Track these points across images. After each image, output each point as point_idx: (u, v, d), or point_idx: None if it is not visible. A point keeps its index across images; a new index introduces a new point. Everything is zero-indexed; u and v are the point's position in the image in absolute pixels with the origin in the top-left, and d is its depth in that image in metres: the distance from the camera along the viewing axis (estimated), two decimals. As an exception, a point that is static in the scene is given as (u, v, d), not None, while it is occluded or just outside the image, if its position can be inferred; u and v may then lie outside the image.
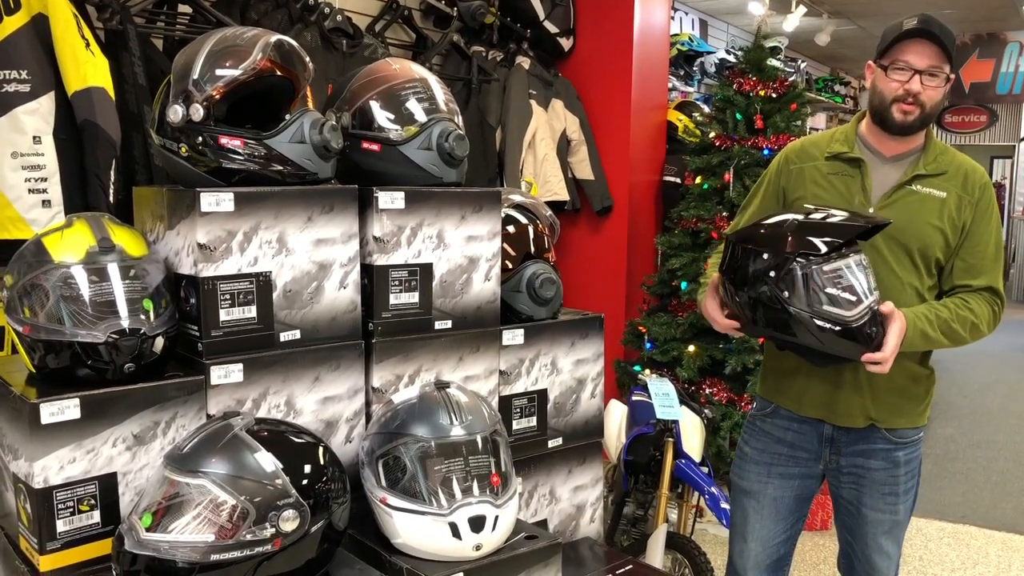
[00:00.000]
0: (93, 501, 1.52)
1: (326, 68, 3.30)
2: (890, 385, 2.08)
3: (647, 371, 4.25)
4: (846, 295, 1.82)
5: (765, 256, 1.86)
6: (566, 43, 4.74)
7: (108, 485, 1.53)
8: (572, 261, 4.79)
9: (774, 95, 4.25)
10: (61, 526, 1.49)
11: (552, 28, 4.64)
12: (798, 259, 1.81)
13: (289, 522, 1.42)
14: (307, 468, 1.50)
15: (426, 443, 1.58)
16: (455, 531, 1.54)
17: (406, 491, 1.57)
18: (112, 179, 2.58)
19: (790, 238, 1.84)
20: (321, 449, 1.56)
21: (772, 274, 1.84)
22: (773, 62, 4.45)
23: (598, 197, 4.70)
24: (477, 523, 1.55)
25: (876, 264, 1.95)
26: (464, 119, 4.03)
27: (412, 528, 1.57)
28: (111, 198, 2.55)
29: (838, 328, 1.81)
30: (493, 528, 1.57)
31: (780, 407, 2.23)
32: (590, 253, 4.84)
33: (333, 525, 1.52)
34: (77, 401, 1.49)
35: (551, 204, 4.55)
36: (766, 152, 4.12)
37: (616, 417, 3.64)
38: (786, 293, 1.82)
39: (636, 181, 4.82)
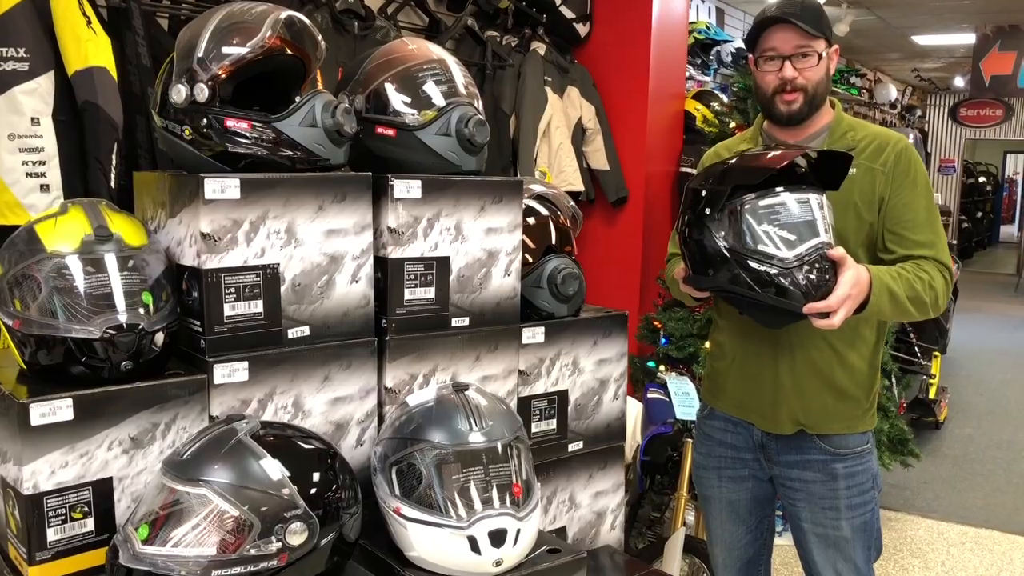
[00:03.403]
0: (86, 508, 1.42)
1: (336, 51, 3.19)
2: (820, 384, 1.96)
3: (664, 368, 4.15)
4: (785, 234, 1.65)
5: (702, 194, 1.75)
6: (582, 29, 4.61)
7: (103, 491, 1.43)
8: (586, 253, 4.66)
9: (797, 84, 4.12)
10: (52, 535, 1.39)
11: (568, 13, 4.51)
12: (731, 195, 1.68)
13: (296, 535, 1.32)
14: (316, 476, 1.39)
15: (443, 450, 1.48)
16: (474, 545, 1.44)
17: (421, 501, 1.47)
18: (114, 163, 2.47)
19: (725, 172, 1.74)
20: (331, 456, 1.45)
21: (707, 211, 1.71)
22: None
23: (613, 188, 4.58)
24: (498, 537, 1.45)
25: None
26: (478, 105, 3.92)
27: (428, 541, 1.46)
28: (112, 183, 2.45)
29: (774, 271, 1.64)
30: (515, 542, 1.47)
31: (715, 409, 2.14)
32: (604, 245, 4.72)
33: (344, 537, 1.42)
34: (70, 401, 1.39)
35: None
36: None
37: (631, 415, 3.54)
38: (720, 233, 1.69)
39: (652, 172, 4.70)
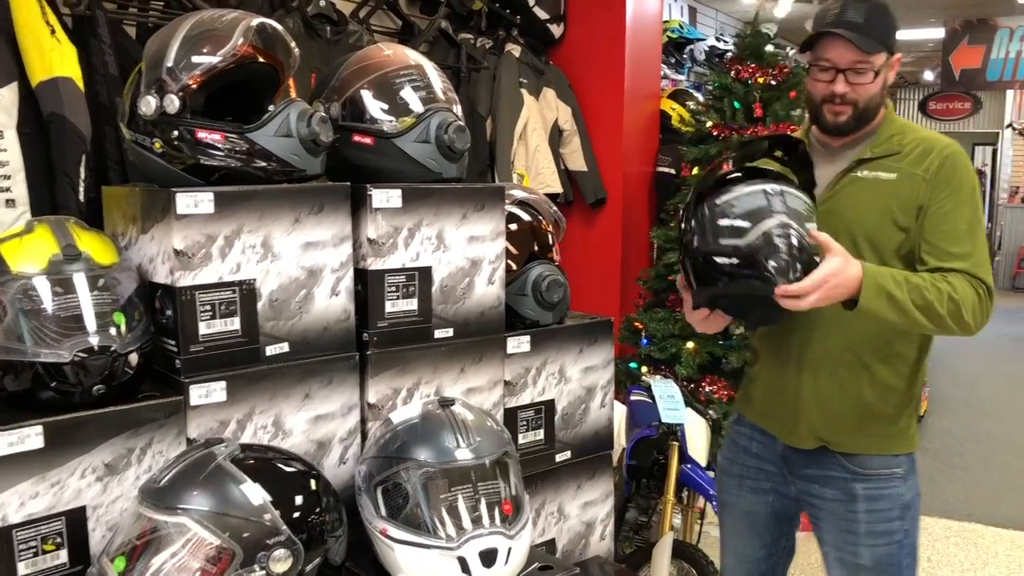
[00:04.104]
0: (59, 539, 1.36)
1: (309, 57, 3.13)
2: (846, 399, 1.82)
3: (647, 370, 4.13)
4: (739, 222, 1.61)
5: (682, 209, 1.74)
6: (556, 30, 4.58)
7: (76, 521, 1.37)
8: (565, 255, 4.59)
9: (773, 82, 4.11)
10: (23, 568, 1.33)
11: (542, 14, 4.48)
12: (699, 200, 1.67)
13: (281, 562, 1.27)
14: (299, 500, 1.34)
15: (430, 468, 1.44)
16: (464, 566, 1.40)
17: (409, 521, 1.43)
18: (83, 176, 2.40)
19: (700, 182, 1.71)
20: (314, 477, 1.40)
21: (682, 226, 1.70)
22: (772, 48, 4.31)
23: (591, 189, 4.55)
24: (488, 557, 1.41)
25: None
26: (453, 109, 3.86)
27: (416, 562, 1.42)
28: (81, 196, 2.37)
29: (735, 261, 1.61)
30: (506, 561, 1.43)
31: (744, 416, 2.04)
32: (584, 247, 4.69)
33: (329, 561, 1.37)
34: (40, 428, 1.33)
35: (543, 197, 4.42)
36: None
37: (615, 418, 3.51)
38: (695, 238, 1.66)
39: (630, 172, 4.68)
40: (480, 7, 4.21)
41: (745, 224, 1.61)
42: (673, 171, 4.74)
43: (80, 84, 2.39)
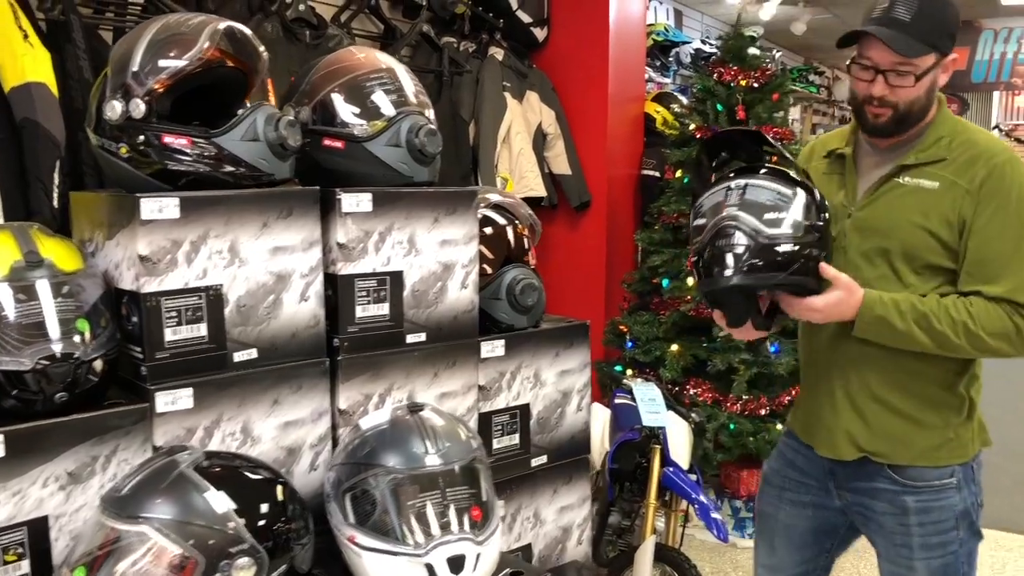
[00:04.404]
0: (21, 549, 1.34)
1: (288, 61, 3.11)
2: (882, 407, 1.73)
3: (631, 373, 4.12)
4: (700, 220, 1.62)
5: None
6: (540, 33, 4.57)
7: (38, 530, 1.36)
8: (550, 259, 4.63)
9: (756, 85, 4.11)
10: (-15, 579, 1.32)
11: (526, 18, 4.47)
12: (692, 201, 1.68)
13: (244, 571, 1.26)
14: (264, 508, 1.33)
15: (399, 474, 1.42)
16: (432, 573, 1.39)
17: (377, 528, 1.41)
18: (56, 182, 2.38)
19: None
20: (279, 485, 1.39)
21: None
22: (755, 51, 4.31)
23: (576, 192, 4.55)
24: (456, 563, 1.40)
25: (844, 267, 1.68)
26: (435, 113, 3.86)
27: (384, 569, 1.41)
28: (55, 202, 2.36)
29: (695, 259, 1.62)
30: (475, 568, 1.42)
31: (791, 427, 1.96)
32: (568, 250, 4.69)
33: (295, 569, 1.36)
34: (0, 437, 1.31)
35: (528, 200, 4.41)
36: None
37: (599, 421, 3.50)
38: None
39: (614, 175, 4.67)
40: (463, 11, 4.20)
41: (703, 221, 1.62)
42: (658, 174, 4.73)
43: (54, 89, 2.37)
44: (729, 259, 1.57)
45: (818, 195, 1.62)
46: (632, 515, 3.20)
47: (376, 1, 3.85)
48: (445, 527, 1.41)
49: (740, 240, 1.56)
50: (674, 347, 4.06)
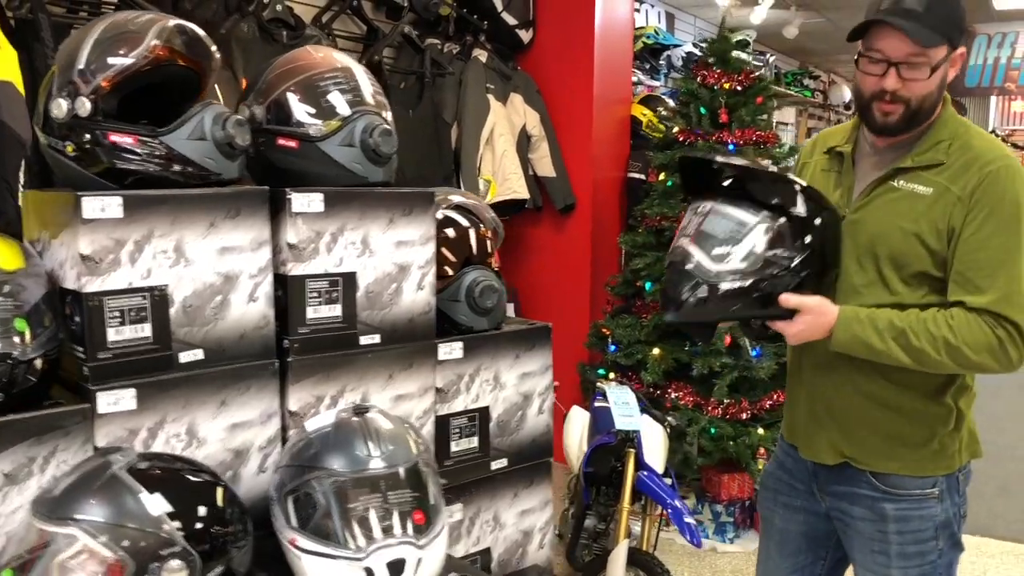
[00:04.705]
0: (-45, 551, 1.33)
1: (264, 61, 3.09)
2: (863, 415, 1.70)
3: (610, 376, 4.10)
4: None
5: None
6: (525, 35, 4.56)
7: (-27, 533, 1.34)
8: (534, 261, 4.62)
9: (739, 88, 4.10)
10: (-84, 581, 1.30)
11: (510, 20, 4.47)
12: None
13: (174, 573, 1.24)
14: (199, 510, 1.32)
15: (340, 477, 1.41)
16: (371, 577, 1.37)
17: (318, 531, 1.39)
18: (22, 182, 2.37)
19: None
20: (217, 487, 1.38)
21: None
22: (739, 54, 4.30)
23: (560, 195, 4.53)
24: (396, 567, 1.38)
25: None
26: (417, 115, 3.84)
27: (323, 573, 1.39)
28: (20, 202, 2.34)
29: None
30: (416, 572, 1.40)
31: (783, 430, 1.94)
32: (553, 253, 4.67)
33: (232, 572, 1.34)
34: (-66, 437, 1.30)
35: (512, 203, 4.40)
36: (731, 147, 3.97)
37: (578, 425, 3.49)
38: None
39: (600, 178, 4.66)
40: (448, 13, 4.19)
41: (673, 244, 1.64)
42: (643, 177, 4.72)
43: (21, 88, 2.36)
44: (673, 294, 1.57)
45: (801, 215, 1.56)
46: (608, 519, 3.19)
47: (359, 2, 3.84)
48: (387, 531, 1.39)
49: (686, 276, 1.55)
50: (656, 351, 4.04)
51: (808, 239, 1.57)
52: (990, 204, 1.58)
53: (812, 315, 1.59)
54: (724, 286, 1.53)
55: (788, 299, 1.58)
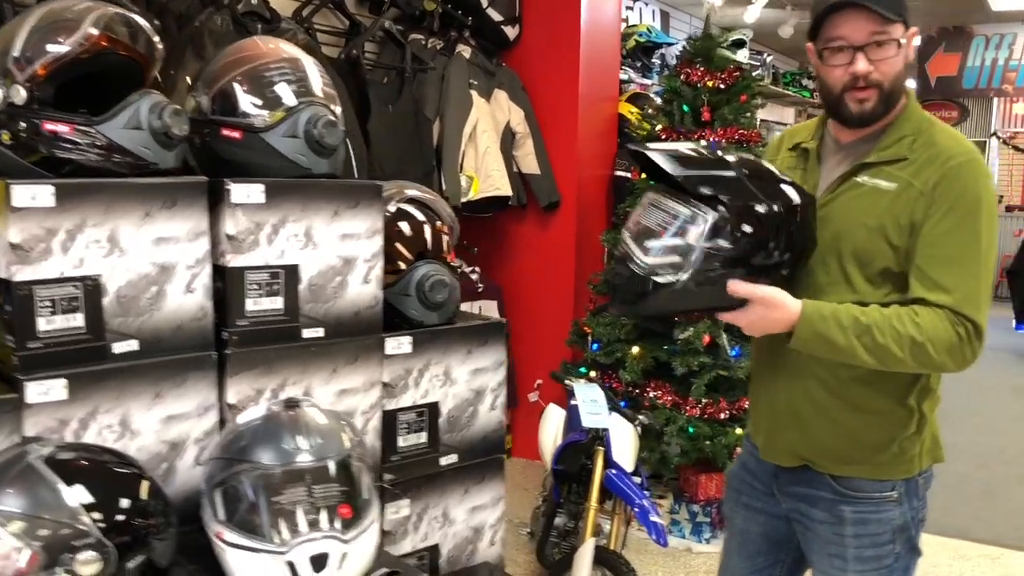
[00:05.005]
0: None
1: (238, 54, 3.09)
2: (823, 418, 1.67)
3: (595, 375, 4.08)
4: None
5: None
6: (511, 32, 4.54)
7: None
8: (518, 259, 4.60)
9: (723, 86, 4.07)
10: None
11: (496, 16, 4.45)
12: None
13: (87, 565, 1.23)
14: (118, 502, 1.30)
15: (266, 470, 1.39)
16: (293, 571, 1.36)
17: (243, 525, 1.38)
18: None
19: None
20: (141, 479, 1.36)
21: None
22: (727, 52, 4.27)
23: (545, 192, 4.51)
24: (319, 562, 1.36)
25: (800, 274, 1.63)
26: (397, 110, 3.82)
27: (247, 567, 1.38)
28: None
29: None
30: (340, 567, 1.38)
31: (748, 430, 1.91)
32: (537, 251, 4.65)
33: (153, 563, 1.33)
34: None
35: (495, 200, 4.38)
36: (712, 146, 3.95)
37: (553, 422, 3.47)
38: None
39: (585, 175, 4.63)
40: (433, 8, 4.17)
41: None
42: (630, 174, 4.70)
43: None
44: (615, 287, 1.54)
45: (738, 204, 1.49)
46: (577, 517, 3.17)
47: (340, -4, 3.83)
48: (312, 524, 1.38)
49: (622, 268, 1.52)
50: (635, 349, 4.02)
51: (748, 228, 1.49)
52: (951, 199, 1.55)
53: (764, 305, 1.53)
54: (656, 279, 1.48)
55: (736, 287, 1.51)
